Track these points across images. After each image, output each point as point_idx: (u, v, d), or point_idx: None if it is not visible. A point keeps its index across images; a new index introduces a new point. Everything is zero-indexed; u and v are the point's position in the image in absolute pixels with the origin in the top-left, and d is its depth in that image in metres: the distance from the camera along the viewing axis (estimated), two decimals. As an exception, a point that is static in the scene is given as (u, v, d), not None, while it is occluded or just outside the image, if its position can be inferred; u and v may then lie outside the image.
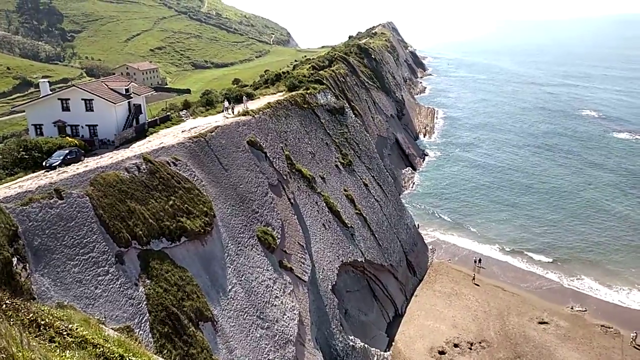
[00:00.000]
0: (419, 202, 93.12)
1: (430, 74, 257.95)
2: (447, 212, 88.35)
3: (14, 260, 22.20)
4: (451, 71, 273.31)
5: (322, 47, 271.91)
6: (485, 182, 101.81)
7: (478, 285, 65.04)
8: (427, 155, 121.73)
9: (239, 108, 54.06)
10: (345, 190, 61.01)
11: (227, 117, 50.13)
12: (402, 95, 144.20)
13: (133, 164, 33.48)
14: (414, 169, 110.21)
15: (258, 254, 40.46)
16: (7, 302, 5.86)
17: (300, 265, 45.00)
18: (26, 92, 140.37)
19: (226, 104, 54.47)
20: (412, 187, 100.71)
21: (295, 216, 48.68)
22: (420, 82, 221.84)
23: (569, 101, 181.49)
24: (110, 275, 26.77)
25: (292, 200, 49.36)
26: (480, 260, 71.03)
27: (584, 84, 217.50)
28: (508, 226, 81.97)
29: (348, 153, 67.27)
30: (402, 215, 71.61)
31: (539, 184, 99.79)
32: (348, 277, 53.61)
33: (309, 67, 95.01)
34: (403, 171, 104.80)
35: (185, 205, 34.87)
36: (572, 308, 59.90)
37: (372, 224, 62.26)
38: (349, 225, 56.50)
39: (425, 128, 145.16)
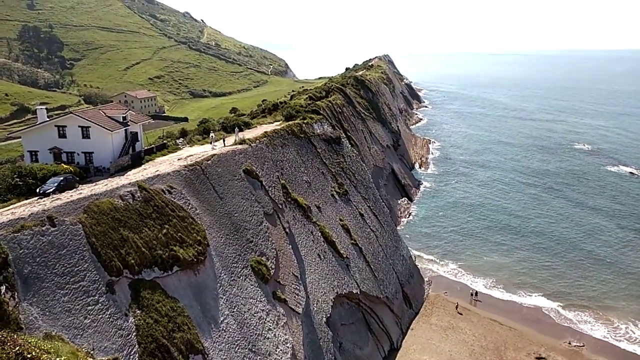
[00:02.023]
0: (415, 233, 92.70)
1: (426, 106, 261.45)
2: (443, 244, 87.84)
3: (2, 288, 21.74)
4: (446, 103, 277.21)
5: (319, 78, 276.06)
6: (481, 214, 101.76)
7: (461, 314, 64.52)
8: (423, 186, 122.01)
9: (230, 139, 53.87)
10: (341, 220, 60.76)
11: (214, 148, 49.86)
12: (398, 126, 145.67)
13: (128, 191, 33.27)
14: (410, 199, 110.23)
15: (251, 285, 39.85)
16: (-7, 334, 5.63)
17: (295, 297, 44.30)
18: (23, 119, 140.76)
19: (212, 135, 54.05)
20: (408, 217, 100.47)
21: (290, 246, 48.23)
22: (416, 114, 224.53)
23: (562, 134, 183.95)
24: (100, 305, 26.18)
25: (287, 230, 49.01)
26: (476, 293, 70.28)
27: (576, 119, 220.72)
28: (504, 260, 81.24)
29: (344, 182, 67.32)
30: (398, 246, 71.16)
31: (534, 217, 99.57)
32: (343, 309, 52.77)
33: (306, 98, 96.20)
34: (399, 201, 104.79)
35: (179, 234, 34.52)
36: (569, 343, 58.98)
37: (368, 254, 61.76)
38: (345, 256, 55.99)
39: (421, 159, 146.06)
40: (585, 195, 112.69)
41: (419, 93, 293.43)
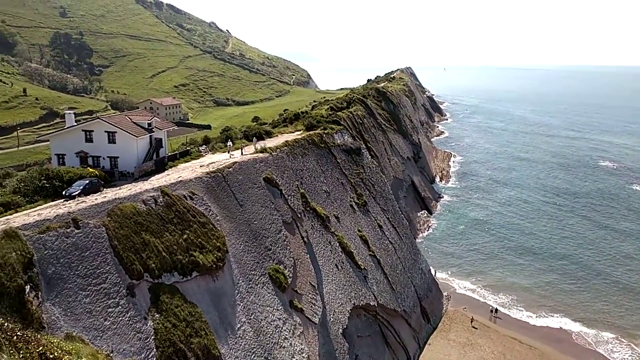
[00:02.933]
0: (434, 246, 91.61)
1: (448, 119, 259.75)
2: (463, 260, 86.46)
3: (27, 288, 22.22)
4: (468, 117, 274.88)
5: (341, 89, 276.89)
6: (502, 233, 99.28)
7: (476, 328, 63.37)
8: (443, 199, 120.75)
9: (249, 148, 54.16)
10: (359, 230, 60.50)
11: (231, 157, 50.19)
12: (418, 139, 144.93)
13: (150, 196, 33.80)
14: (430, 212, 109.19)
15: (269, 293, 39.89)
16: (19, 333, 5.77)
17: (311, 307, 44.15)
18: (52, 122, 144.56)
19: (230, 144, 54.44)
20: (427, 230, 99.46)
21: (308, 255, 48.20)
22: (437, 126, 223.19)
23: (586, 151, 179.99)
24: (120, 307, 26.54)
25: (305, 239, 49.02)
26: (496, 310, 68.94)
27: (600, 136, 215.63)
28: (524, 280, 78.98)
29: (363, 193, 67.14)
30: (416, 260, 70.42)
31: (557, 239, 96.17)
32: (360, 321, 52.32)
33: (327, 108, 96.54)
34: (418, 214, 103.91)
35: (199, 240, 34.84)
36: (592, 365, 57.28)
37: (386, 266, 61.26)
38: (362, 267, 55.64)
39: (441, 172, 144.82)
40: (610, 217, 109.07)
41: (440, 106, 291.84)
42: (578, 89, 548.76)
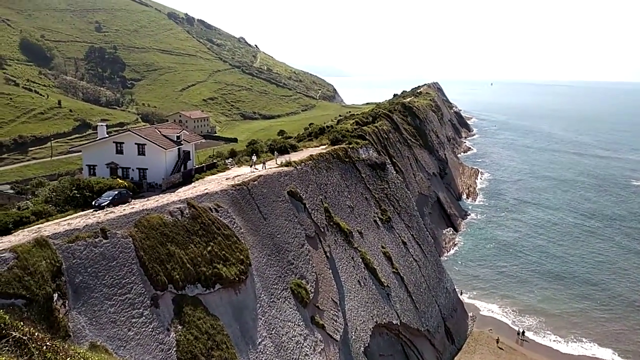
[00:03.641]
0: (460, 265, 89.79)
1: (475, 135, 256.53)
2: (489, 280, 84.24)
3: (55, 296, 22.68)
4: (497, 133, 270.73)
5: (367, 103, 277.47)
6: (530, 253, 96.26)
7: (502, 349, 61.62)
8: (469, 216, 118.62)
9: (270, 162, 54.44)
10: (382, 247, 59.88)
11: (254, 171, 50.09)
12: (445, 154, 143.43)
13: (177, 208, 34.28)
14: (456, 230, 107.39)
15: (290, 308, 39.70)
16: (48, 343, 5.86)
17: (333, 323, 43.71)
18: (84, 134, 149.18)
19: (254, 158, 54.53)
20: (453, 249, 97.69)
21: (331, 270, 47.89)
22: (465, 142, 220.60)
23: (620, 171, 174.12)
24: (144, 318, 26.81)
25: (328, 254, 48.78)
26: (523, 333, 66.87)
27: (635, 156, 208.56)
28: (554, 302, 76.20)
29: (387, 209, 66.58)
30: (441, 278, 69.14)
31: (589, 266, 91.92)
32: (382, 339, 51.48)
33: (353, 123, 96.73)
34: (444, 231, 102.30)
35: (223, 252, 35.06)
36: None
37: (410, 284, 60.31)
38: (385, 285, 54.92)
39: (468, 189, 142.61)
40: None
41: (468, 121, 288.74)
42: (609, 106, 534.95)
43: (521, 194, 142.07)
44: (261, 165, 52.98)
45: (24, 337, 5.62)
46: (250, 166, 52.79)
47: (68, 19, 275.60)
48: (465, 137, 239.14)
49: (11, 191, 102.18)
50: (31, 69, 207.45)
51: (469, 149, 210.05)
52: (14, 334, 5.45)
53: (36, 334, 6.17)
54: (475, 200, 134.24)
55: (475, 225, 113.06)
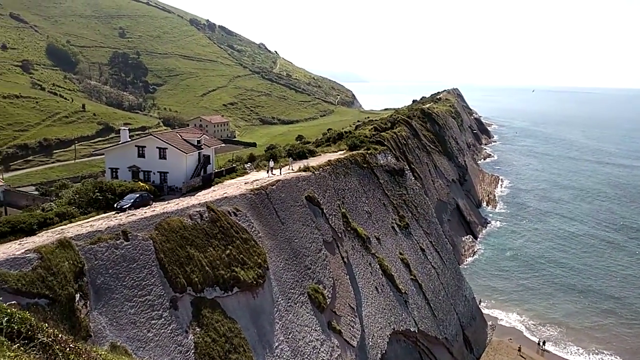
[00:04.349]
0: (479, 273, 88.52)
1: (495, 142, 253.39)
2: (509, 289, 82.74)
3: (77, 296, 23.11)
4: (518, 140, 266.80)
5: (385, 109, 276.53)
6: (552, 264, 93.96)
7: (524, 358, 60.50)
8: (489, 224, 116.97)
9: (286, 168, 54.50)
10: (400, 253, 59.46)
11: (271, 177, 49.87)
12: (464, 161, 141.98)
13: (197, 211, 34.65)
14: (475, 237, 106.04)
15: (307, 312, 39.67)
16: (71, 345, 5.98)
17: (350, 329, 43.51)
18: (107, 137, 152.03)
19: (271, 163, 54.05)
20: (472, 256, 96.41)
21: (348, 276, 47.73)
22: (485, 149, 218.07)
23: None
24: (163, 319, 27.11)
25: (345, 259, 48.64)
26: (544, 343, 65.55)
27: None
28: (575, 316, 74.22)
29: (405, 215, 66.13)
30: (460, 286, 68.28)
31: (612, 274, 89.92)
32: (399, 346, 51.02)
33: (371, 128, 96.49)
34: (463, 239, 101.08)
35: (241, 256, 35.27)
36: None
37: (428, 292, 59.70)
38: (403, 291, 54.47)
39: (488, 196, 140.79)
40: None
41: (488, 128, 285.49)
42: (633, 113, 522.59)
43: (542, 202, 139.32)
44: (278, 170, 53.09)
45: (49, 340, 5.74)
46: (267, 172, 52.75)
47: (93, 25, 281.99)
48: (486, 144, 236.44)
49: (36, 192, 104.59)
50: (57, 74, 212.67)
51: (489, 155, 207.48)
52: (41, 338, 5.58)
53: (60, 335, 6.30)
54: (495, 208, 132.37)
55: (495, 233, 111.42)
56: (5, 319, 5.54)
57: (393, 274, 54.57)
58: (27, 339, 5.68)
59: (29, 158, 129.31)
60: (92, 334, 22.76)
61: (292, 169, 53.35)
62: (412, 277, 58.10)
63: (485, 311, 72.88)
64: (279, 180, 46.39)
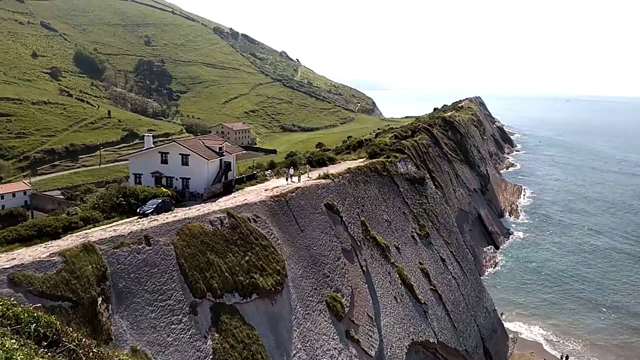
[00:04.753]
0: (501, 285, 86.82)
1: (519, 151, 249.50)
2: (531, 302, 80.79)
3: (99, 300, 23.52)
4: (541, 149, 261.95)
5: (406, 117, 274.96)
6: (576, 278, 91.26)
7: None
8: (512, 235, 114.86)
9: (306, 176, 54.35)
10: (420, 263, 58.86)
11: (290, 184, 49.87)
12: (487, 170, 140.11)
13: (217, 217, 34.98)
14: (497, 248, 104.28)
15: (325, 321, 39.53)
16: (95, 350, 6.10)
17: (368, 339, 43.17)
18: (131, 143, 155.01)
19: (291, 171, 54.06)
20: (494, 267, 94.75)
21: (366, 285, 47.44)
22: (508, 158, 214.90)
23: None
24: (182, 324, 27.36)
25: (364, 268, 48.38)
26: (567, 358, 63.84)
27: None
28: (600, 333, 71.77)
29: (426, 224, 65.51)
30: (481, 297, 67.16)
31: (637, 288, 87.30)
32: (418, 357, 50.37)
33: (391, 136, 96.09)
34: (485, 249, 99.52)
35: (260, 262, 35.42)
36: None
37: (448, 302, 58.88)
38: (423, 302, 53.84)
39: (510, 206, 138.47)
40: None
41: (511, 137, 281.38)
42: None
43: (566, 214, 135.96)
44: (297, 177, 52.99)
45: (73, 345, 5.86)
46: (286, 179, 52.77)
47: (120, 33, 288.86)
48: (508, 153, 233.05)
49: (61, 197, 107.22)
50: (84, 81, 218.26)
51: (512, 165, 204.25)
52: (68, 345, 5.71)
53: (84, 339, 6.44)
54: (517, 218, 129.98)
55: (518, 244, 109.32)
56: (34, 325, 5.69)
57: (412, 283, 54.03)
58: (53, 342, 5.82)
59: (55, 163, 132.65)
60: (113, 338, 23.11)
61: (309, 177, 53.31)
62: (431, 287, 57.41)
63: (506, 324, 71.44)
64: (298, 188, 46.54)
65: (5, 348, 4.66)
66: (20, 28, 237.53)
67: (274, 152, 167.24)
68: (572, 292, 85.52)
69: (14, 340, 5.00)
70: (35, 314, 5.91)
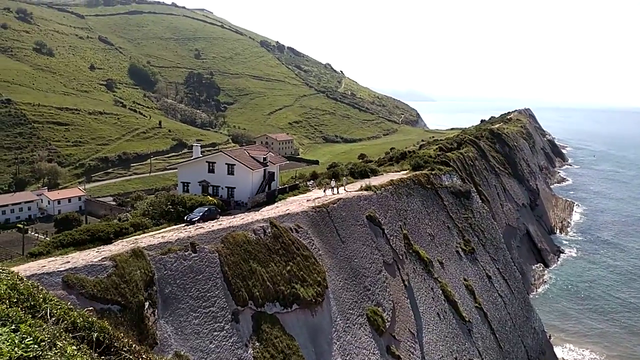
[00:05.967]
0: (551, 305, 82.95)
1: (570, 165, 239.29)
2: (582, 324, 76.67)
3: (146, 304, 24.23)
4: (595, 164, 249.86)
5: (451, 129, 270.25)
6: (630, 299, 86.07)
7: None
8: (562, 253, 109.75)
9: (351, 186, 53.65)
10: (465, 279, 57.19)
11: (332, 195, 48.85)
12: (536, 185, 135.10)
13: (260, 226, 35.41)
14: (547, 266, 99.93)
15: (366, 335, 39.01)
16: (144, 356, 6.25)
17: (409, 355, 42.22)
18: (180, 152, 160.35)
19: (333, 182, 52.90)
20: (543, 286, 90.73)
21: (408, 300, 46.53)
22: (559, 173, 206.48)
23: None
24: (225, 332, 27.73)
25: (406, 283, 47.50)
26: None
27: None
28: None
29: (471, 240, 63.71)
30: (529, 317, 64.42)
31: None
32: (461, 377, 48.75)
33: (436, 148, 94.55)
34: (533, 267, 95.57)
35: (301, 273, 35.48)
36: None
37: (494, 321, 56.80)
38: (467, 320, 52.19)
39: (561, 222, 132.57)
40: None
41: (562, 150, 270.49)
42: None
43: (622, 234, 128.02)
44: (338, 188, 52.05)
45: (124, 351, 6.03)
46: (325, 190, 51.59)
47: (171, 47, 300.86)
48: (560, 167, 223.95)
49: (113, 203, 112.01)
50: (137, 92, 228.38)
51: (563, 179, 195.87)
52: (123, 354, 5.88)
53: (134, 345, 6.62)
54: (568, 235, 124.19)
55: (569, 263, 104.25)
56: (89, 330, 5.90)
57: (456, 300, 52.54)
58: (106, 348, 6.01)
59: (108, 170, 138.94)
60: (158, 342, 23.71)
61: (346, 190, 52.30)
62: (476, 304, 55.61)
63: (555, 345, 68.04)
64: (340, 199, 46.46)
65: (67, 354, 4.86)
66: (80, 42, 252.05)
67: (317, 162, 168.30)
68: (626, 316, 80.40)
69: (74, 347, 5.20)
70: (90, 319, 6.13)
